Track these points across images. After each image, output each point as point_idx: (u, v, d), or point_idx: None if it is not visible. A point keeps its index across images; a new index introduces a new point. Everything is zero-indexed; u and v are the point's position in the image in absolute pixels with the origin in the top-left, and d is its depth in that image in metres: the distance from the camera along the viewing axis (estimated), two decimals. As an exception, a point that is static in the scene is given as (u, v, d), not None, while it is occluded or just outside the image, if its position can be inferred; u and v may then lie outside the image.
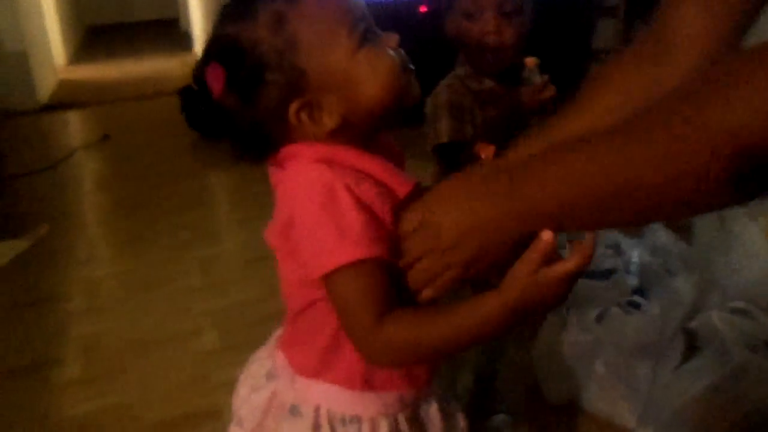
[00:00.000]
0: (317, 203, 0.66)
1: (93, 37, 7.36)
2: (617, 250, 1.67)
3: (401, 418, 0.79)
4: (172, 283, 2.22)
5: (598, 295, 1.53)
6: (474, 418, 1.59)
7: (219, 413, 1.58)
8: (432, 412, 0.84)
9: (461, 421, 0.89)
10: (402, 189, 0.71)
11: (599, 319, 1.53)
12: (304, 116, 0.70)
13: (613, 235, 1.72)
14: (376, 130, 0.76)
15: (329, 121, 0.70)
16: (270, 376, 0.83)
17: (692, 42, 0.71)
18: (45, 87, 4.75)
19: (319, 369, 0.77)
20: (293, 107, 0.69)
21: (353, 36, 0.69)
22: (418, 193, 0.72)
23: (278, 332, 0.88)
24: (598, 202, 0.58)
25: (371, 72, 0.70)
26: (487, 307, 0.64)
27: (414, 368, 0.79)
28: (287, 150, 0.73)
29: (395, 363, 0.74)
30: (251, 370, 0.87)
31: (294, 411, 0.78)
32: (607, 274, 1.59)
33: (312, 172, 0.68)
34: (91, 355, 1.90)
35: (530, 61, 1.27)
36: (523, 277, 0.62)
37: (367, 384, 0.77)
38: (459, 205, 0.67)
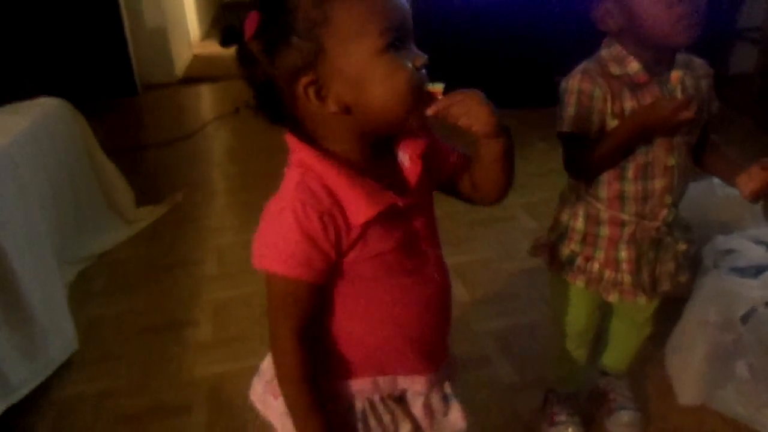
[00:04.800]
0: (271, 209, 0.77)
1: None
2: (768, 246, 1.54)
3: (376, 398, 0.88)
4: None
5: (745, 293, 1.41)
6: (597, 412, 1.54)
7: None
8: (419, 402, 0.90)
9: (458, 422, 0.94)
10: (357, 218, 0.75)
11: (745, 319, 1.42)
12: (311, 92, 0.73)
13: (765, 231, 1.59)
14: (378, 133, 0.79)
15: (332, 105, 0.74)
16: None
17: None
18: (181, 61, 5.00)
19: None
20: (304, 80, 0.73)
21: (382, 38, 0.72)
22: (394, 214, 0.77)
23: None
24: None
25: (385, 79, 0.73)
26: None
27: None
28: (290, 138, 0.79)
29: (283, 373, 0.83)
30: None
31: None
32: (757, 271, 1.47)
33: (287, 184, 0.77)
34: (221, 319, 2.00)
35: (675, 75, 1.16)
36: None
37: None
38: None
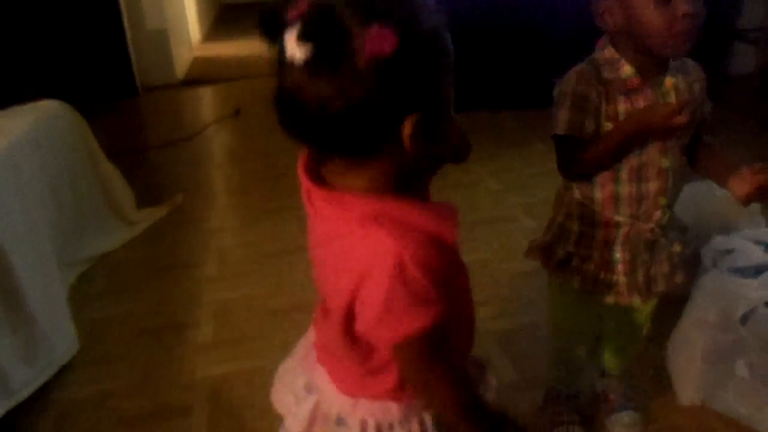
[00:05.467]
0: (388, 276, 0.68)
1: (226, 16, 7.66)
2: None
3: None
4: (295, 254, 2.28)
5: (744, 293, 1.42)
6: (597, 413, 1.54)
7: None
8: None
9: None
10: (450, 235, 0.73)
11: (744, 319, 1.42)
12: (413, 132, 0.67)
13: (764, 231, 1.59)
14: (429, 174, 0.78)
15: (422, 148, 0.69)
16: (309, 388, 0.89)
17: None
18: (182, 63, 5.00)
19: (361, 388, 0.83)
20: (414, 117, 0.66)
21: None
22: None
23: (304, 341, 0.96)
24: None
25: (455, 130, 0.74)
26: None
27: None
28: (337, 195, 0.73)
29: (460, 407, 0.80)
30: (285, 381, 0.95)
31: (340, 422, 0.84)
32: (756, 271, 1.47)
33: (381, 245, 0.68)
34: (222, 320, 2.00)
35: (669, 82, 1.16)
36: None
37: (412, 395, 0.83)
38: None
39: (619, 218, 1.23)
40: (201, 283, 2.21)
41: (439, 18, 0.68)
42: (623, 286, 1.26)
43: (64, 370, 1.78)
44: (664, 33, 1.07)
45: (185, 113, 4.26)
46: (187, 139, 3.57)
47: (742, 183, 1.15)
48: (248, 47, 6.03)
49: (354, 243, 0.71)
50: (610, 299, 1.28)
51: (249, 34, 6.55)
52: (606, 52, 1.17)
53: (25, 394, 1.63)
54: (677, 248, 1.28)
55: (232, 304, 2.07)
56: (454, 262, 0.78)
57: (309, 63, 0.62)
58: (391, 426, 0.83)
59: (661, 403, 1.58)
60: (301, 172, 0.76)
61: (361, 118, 0.65)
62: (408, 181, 0.74)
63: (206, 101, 4.54)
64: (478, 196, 2.69)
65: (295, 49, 0.62)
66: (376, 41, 0.61)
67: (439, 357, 0.75)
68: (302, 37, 0.62)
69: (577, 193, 1.26)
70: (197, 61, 5.50)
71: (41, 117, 2.15)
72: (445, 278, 0.71)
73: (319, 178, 0.76)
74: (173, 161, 3.32)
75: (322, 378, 0.87)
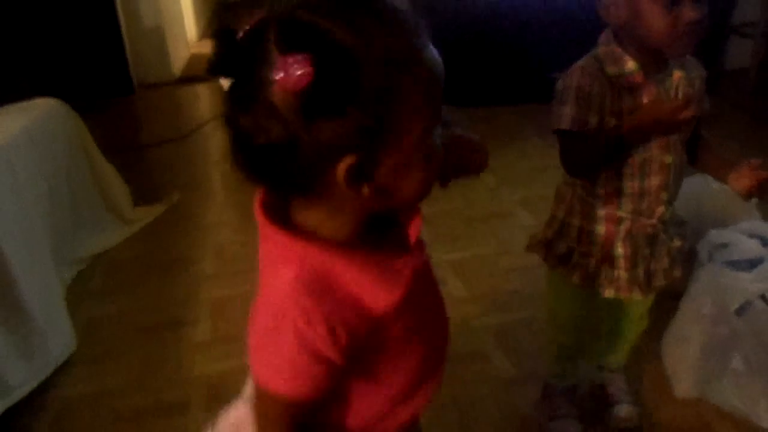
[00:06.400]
0: (264, 322, 0.66)
1: (220, 15, 7.64)
2: (763, 240, 1.54)
3: None
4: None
5: (740, 286, 1.42)
6: (594, 407, 1.55)
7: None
8: None
9: None
10: (378, 307, 0.65)
11: (740, 311, 1.43)
12: (347, 175, 0.58)
13: (759, 224, 1.60)
14: (388, 212, 0.69)
15: (366, 190, 0.60)
16: (245, 398, 0.85)
17: None
18: (178, 60, 4.99)
19: None
20: (348, 160, 0.58)
21: (435, 117, 0.62)
22: (409, 300, 0.67)
23: None
24: None
25: (427, 163, 0.63)
26: None
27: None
28: (272, 230, 0.67)
29: None
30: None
31: None
32: (751, 264, 1.47)
33: (280, 289, 0.64)
34: (220, 317, 2.00)
35: (677, 76, 1.16)
36: None
37: None
38: None
39: (621, 214, 1.23)
40: (198, 280, 2.21)
41: (411, 32, 0.59)
42: (624, 281, 1.27)
43: (61, 369, 1.78)
44: (667, 35, 1.08)
45: (182, 111, 4.25)
46: (183, 137, 3.57)
47: (742, 178, 1.15)
48: (244, 44, 6.00)
49: (271, 272, 0.68)
50: (610, 293, 1.28)
51: (245, 31, 6.55)
52: (609, 47, 1.17)
53: (23, 391, 1.63)
54: (677, 243, 1.29)
55: (230, 301, 2.07)
56: (384, 334, 0.68)
57: (228, 95, 0.59)
58: None
59: (657, 396, 1.58)
60: (256, 206, 0.70)
61: (284, 156, 0.58)
62: (376, 219, 0.66)
63: (203, 99, 4.54)
64: (475, 192, 2.69)
65: (223, 79, 0.59)
66: (288, 73, 0.54)
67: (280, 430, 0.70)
68: (216, 69, 0.58)
69: (579, 189, 1.26)
70: (194, 59, 5.48)
71: (37, 115, 2.15)
72: (347, 356, 0.65)
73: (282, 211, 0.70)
74: (170, 159, 3.32)
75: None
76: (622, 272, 1.26)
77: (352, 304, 0.64)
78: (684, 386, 1.56)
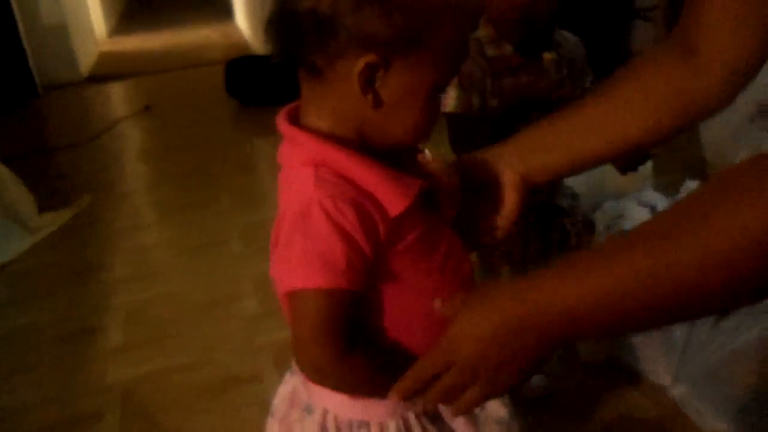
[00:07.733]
0: (291, 218, 0.64)
1: (134, 9, 7.42)
2: (653, 209, 1.62)
3: (411, 416, 0.77)
4: (214, 250, 2.25)
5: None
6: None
7: (261, 377, 1.63)
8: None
9: (498, 410, 0.83)
10: (394, 207, 0.66)
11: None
12: (364, 70, 0.61)
13: (650, 194, 1.67)
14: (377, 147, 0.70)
15: (371, 100, 0.64)
16: (293, 370, 0.83)
17: (719, 52, 0.68)
18: (86, 59, 4.82)
19: None
20: (368, 57, 0.61)
21: (446, 77, 0.67)
22: (423, 196, 0.68)
23: None
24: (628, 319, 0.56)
25: (422, 114, 0.67)
26: None
27: None
28: (291, 130, 0.68)
29: (345, 391, 0.73)
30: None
31: (308, 409, 0.79)
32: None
33: (303, 187, 0.64)
34: (135, 322, 1.96)
35: (547, 57, 1.21)
36: None
37: None
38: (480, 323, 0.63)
39: None
40: (111, 285, 2.15)
41: None
42: (517, 256, 1.31)
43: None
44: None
45: (92, 111, 4.12)
46: (94, 139, 3.46)
47: None
48: (159, 41, 5.87)
49: (291, 180, 0.68)
50: (507, 269, 1.32)
51: (158, 28, 6.39)
52: (489, 30, 1.20)
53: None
54: (569, 215, 1.34)
55: (146, 304, 2.03)
56: (400, 235, 0.68)
57: None
58: (350, 425, 0.77)
59: (565, 363, 1.64)
60: (280, 115, 0.70)
61: (320, 28, 0.61)
62: (375, 140, 0.68)
63: (114, 98, 4.41)
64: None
65: None
66: None
67: (334, 340, 0.66)
68: None
69: None
70: (104, 57, 5.31)
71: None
72: (373, 249, 0.65)
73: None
74: (80, 162, 3.21)
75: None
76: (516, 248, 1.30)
77: (371, 199, 0.65)
78: (591, 352, 1.62)
